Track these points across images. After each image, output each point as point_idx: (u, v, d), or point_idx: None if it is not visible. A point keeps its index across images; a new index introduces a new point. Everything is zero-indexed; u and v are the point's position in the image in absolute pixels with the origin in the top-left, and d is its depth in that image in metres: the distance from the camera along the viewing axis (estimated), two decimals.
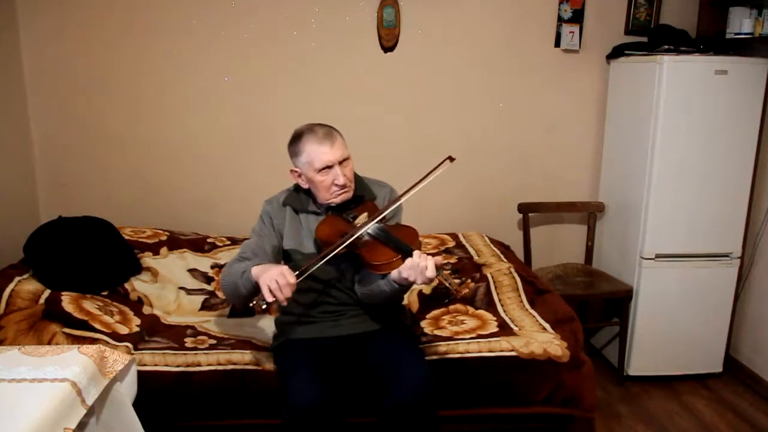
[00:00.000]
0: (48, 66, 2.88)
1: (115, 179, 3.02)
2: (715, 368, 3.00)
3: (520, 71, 3.10)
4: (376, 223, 1.87)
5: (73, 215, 2.60)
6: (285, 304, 1.76)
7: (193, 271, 2.71)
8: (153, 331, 2.32)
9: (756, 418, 2.70)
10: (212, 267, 2.74)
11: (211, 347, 2.18)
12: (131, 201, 3.04)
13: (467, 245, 2.92)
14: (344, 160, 1.95)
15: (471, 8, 3.00)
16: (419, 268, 1.71)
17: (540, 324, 2.30)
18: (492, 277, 2.63)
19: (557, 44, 3.08)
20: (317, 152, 1.91)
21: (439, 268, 1.73)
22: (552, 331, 2.24)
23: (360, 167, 2.06)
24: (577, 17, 3.05)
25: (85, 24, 2.85)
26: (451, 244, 2.94)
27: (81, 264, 2.41)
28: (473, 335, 2.24)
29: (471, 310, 2.48)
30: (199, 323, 2.44)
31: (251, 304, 1.81)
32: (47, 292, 2.29)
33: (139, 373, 1.68)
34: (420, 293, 2.63)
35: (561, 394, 2.12)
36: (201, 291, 2.65)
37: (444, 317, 2.44)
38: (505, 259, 2.77)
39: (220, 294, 2.64)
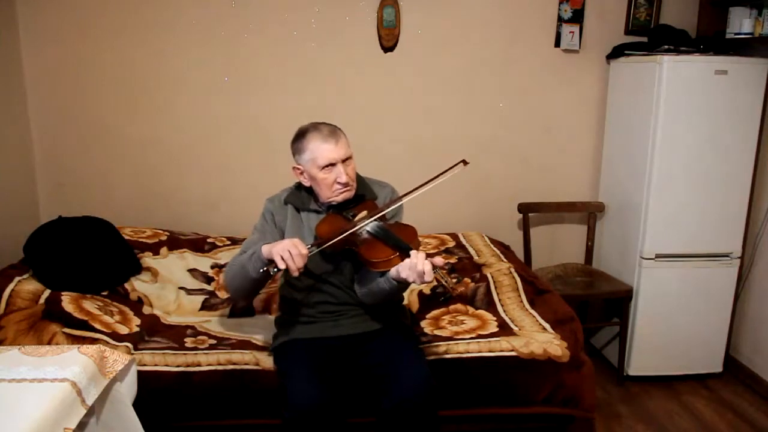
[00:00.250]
0: (48, 66, 2.88)
1: (115, 179, 3.02)
2: (715, 368, 3.00)
3: (520, 71, 3.10)
4: (377, 221, 1.88)
5: (73, 215, 2.60)
6: (296, 274, 1.77)
7: (193, 271, 2.71)
8: (153, 331, 2.32)
9: (756, 418, 2.70)
10: (212, 267, 2.74)
11: (211, 347, 2.18)
12: (131, 201, 3.04)
13: (467, 245, 2.92)
14: (347, 158, 1.96)
15: (471, 8, 3.00)
16: (417, 268, 1.72)
17: (540, 324, 2.30)
18: (492, 277, 2.63)
19: (557, 44, 3.08)
20: (321, 149, 1.92)
21: (435, 266, 1.73)
22: (552, 331, 2.24)
23: (359, 167, 2.06)
24: (577, 17, 3.05)
25: (84, 24, 2.85)
26: (451, 244, 2.94)
27: (81, 264, 2.41)
28: (473, 335, 2.24)
29: (471, 310, 2.48)
30: (199, 323, 2.44)
31: (261, 270, 1.81)
32: (47, 292, 2.29)
33: (139, 373, 1.68)
34: (420, 293, 2.63)
35: (561, 394, 2.12)
36: (201, 291, 2.65)
37: (444, 317, 2.44)
38: (505, 259, 2.77)
39: (220, 294, 2.64)
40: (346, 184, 1.95)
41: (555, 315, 2.34)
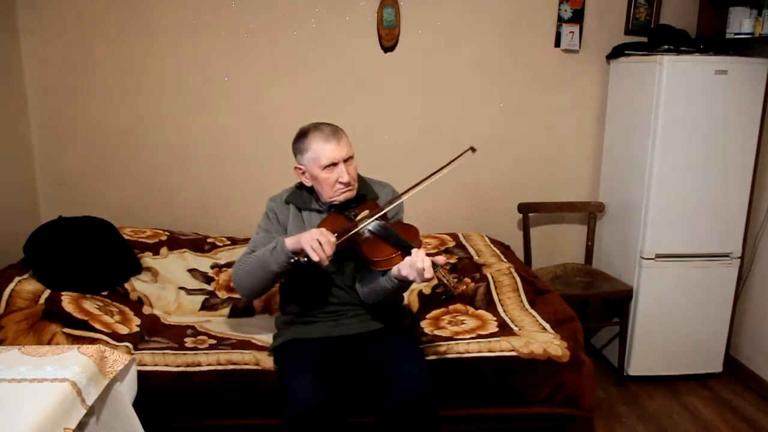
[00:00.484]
0: (48, 66, 2.88)
1: (115, 179, 3.02)
2: (715, 368, 3.00)
3: (520, 71, 3.10)
4: (378, 220, 1.88)
5: (73, 215, 2.60)
6: (326, 263, 1.79)
7: (193, 271, 2.71)
8: (153, 331, 2.32)
9: (756, 418, 2.70)
10: (212, 267, 2.74)
11: (211, 347, 2.18)
12: (131, 201, 3.04)
13: (467, 245, 2.92)
14: (349, 158, 1.97)
15: (471, 8, 3.00)
16: (417, 266, 1.72)
17: (540, 324, 2.30)
18: (492, 277, 2.63)
19: (557, 44, 3.08)
20: (323, 149, 1.93)
21: (437, 265, 1.74)
22: (552, 331, 2.24)
23: (359, 166, 2.06)
24: (577, 17, 3.05)
25: (84, 24, 2.85)
26: (451, 244, 2.94)
27: (81, 264, 2.41)
28: (473, 335, 2.24)
29: (471, 310, 2.48)
30: (199, 323, 2.44)
31: (292, 261, 1.81)
32: (47, 292, 2.29)
33: (139, 373, 1.68)
34: (420, 293, 2.63)
35: (561, 394, 2.12)
36: (201, 291, 2.65)
37: (444, 317, 2.44)
38: (505, 259, 2.77)
39: (220, 294, 2.64)
40: (347, 184, 1.96)
41: (555, 315, 2.34)
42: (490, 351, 2.12)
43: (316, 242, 1.76)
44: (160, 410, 1.99)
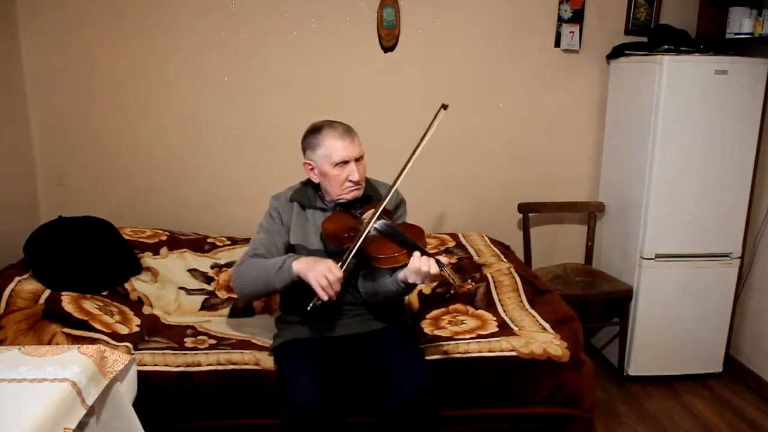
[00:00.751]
0: (48, 66, 2.88)
1: (115, 179, 3.02)
2: (715, 368, 3.00)
3: (520, 71, 3.10)
4: (382, 218, 1.89)
5: (73, 215, 2.60)
6: (334, 299, 1.78)
7: (193, 271, 2.71)
8: (153, 331, 2.32)
9: (756, 418, 2.70)
10: (212, 267, 2.74)
11: (211, 347, 2.18)
12: (131, 201, 3.04)
13: (467, 245, 2.92)
14: (360, 157, 1.98)
15: (471, 8, 3.00)
16: (423, 271, 1.73)
17: (540, 324, 2.30)
18: (492, 277, 2.63)
19: (557, 44, 3.08)
20: (336, 146, 1.94)
21: (442, 264, 1.74)
22: (552, 331, 2.24)
23: None
24: (577, 17, 3.05)
25: (84, 24, 2.85)
26: (451, 244, 2.94)
27: (81, 264, 2.41)
28: (473, 335, 2.23)
29: (471, 310, 2.48)
30: (199, 323, 2.44)
31: (308, 308, 1.80)
32: (47, 292, 2.29)
33: (139, 373, 1.68)
34: (420, 293, 2.63)
35: (561, 394, 2.12)
36: (201, 291, 2.65)
37: (444, 317, 2.44)
38: (505, 259, 2.77)
39: (220, 294, 2.64)
40: (357, 183, 1.97)
41: (555, 315, 2.34)
42: (490, 351, 2.12)
43: (325, 280, 1.75)
44: (160, 410, 1.99)
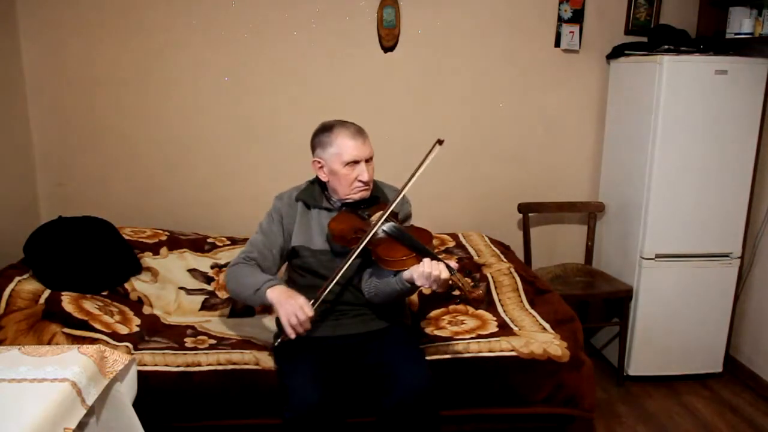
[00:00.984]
0: (48, 66, 2.88)
1: (115, 179, 3.02)
2: (715, 368, 3.00)
3: (520, 71, 3.10)
4: (390, 220, 1.90)
5: (73, 215, 2.60)
6: (303, 335, 1.84)
7: (193, 271, 2.71)
8: (153, 331, 2.32)
9: (756, 418, 2.70)
10: (212, 267, 2.74)
11: (211, 347, 2.18)
12: (131, 201, 3.04)
13: (467, 245, 2.92)
14: (370, 158, 2.00)
15: (471, 8, 3.00)
16: (434, 275, 1.73)
17: (540, 324, 2.30)
18: (492, 277, 2.63)
19: (557, 44, 3.08)
20: (348, 146, 1.95)
21: (452, 269, 1.75)
22: (552, 331, 2.24)
23: None
24: (577, 17, 3.05)
25: (84, 24, 2.85)
26: (451, 244, 2.94)
27: (81, 264, 2.41)
28: (473, 335, 2.23)
29: (471, 310, 2.48)
30: (199, 323, 2.44)
31: (275, 344, 1.91)
32: (47, 292, 2.29)
33: (139, 373, 1.68)
34: (420, 293, 2.63)
35: (561, 394, 2.12)
36: (201, 291, 2.65)
37: (444, 317, 2.44)
38: (505, 259, 2.77)
39: (220, 294, 2.64)
40: (366, 183, 1.98)
41: (555, 315, 2.34)
42: (490, 351, 2.12)
43: (295, 318, 1.79)
44: (160, 410, 1.99)
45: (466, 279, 1.76)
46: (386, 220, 1.89)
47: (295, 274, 2.09)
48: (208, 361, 2.06)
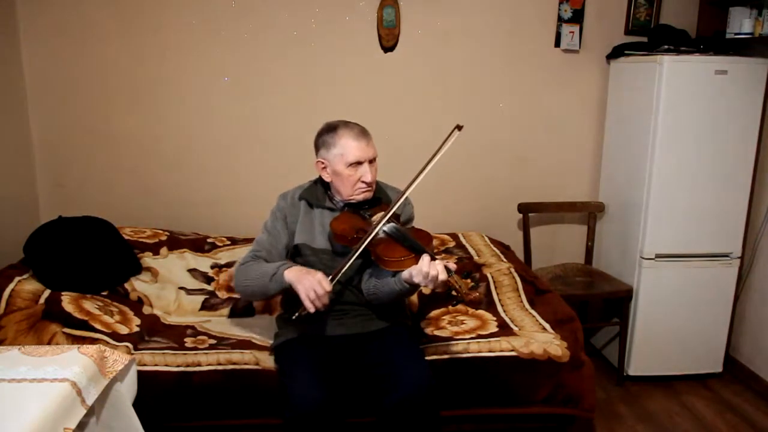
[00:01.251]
0: (48, 66, 2.88)
1: (115, 179, 3.02)
2: (715, 368, 3.00)
3: (520, 71, 3.10)
4: (392, 220, 1.90)
5: (73, 215, 2.60)
6: (321, 311, 1.83)
7: (193, 271, 2.71)
8: (153, 331, 2.32)
9: (756, 418, 2.70)
10: (212, 267, 2.74)
11: (211, 347, 2.18)
12: (131, 201, 3.04)
13: (467, 245, 2.92)
14: (373, 159, 2.00)
15: (471, 8, 3.00)
16: (432, 275, 1.73)
17: (540, 324, 2.30)
18: (492, 277, 2.63)
19: (557, 44, 3.08)
20: (352, 147, 1.95)
21: (450, 270, 1.75)
22: (552, 331, 2.24)
23: None
24: (577, 17, 3.05)
25: (84, 24, 2.85)
26: (451, 244, 2.94)
27: (81, 264, 2.41)
28: (473, 335, 2.23)
29: (471, 310, 2.48)
30: (199, 323, 2.44)
31: (293, 317, 1.86)
32: (47, 292, 2.29)
33: (139, 373, 1.68)
34: (420, 293, 2.63)
35: (561, 394, 2.12)
36: (201, 291, 2.65)
37: (444, 317, 2.44)
38: (505, 259, 2.77)
39: (220, 294, 2.64)
40: (369, 184, 1.98)
41: (555, 315, 2.34)
42: (490, 351, 2.12)
43: (313, 293, 1.79)
44: (160, 410, 1.99)
45: (465, 280, 1.77)
46: (388, 221, 1.90)
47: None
48: (208, 361, 2.06)
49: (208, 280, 2.70)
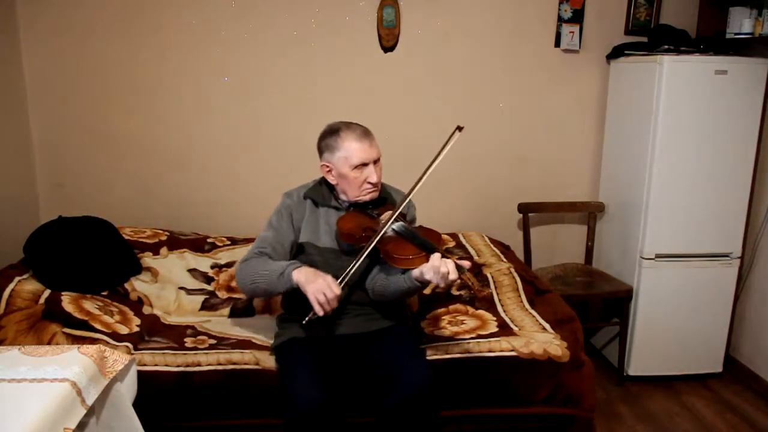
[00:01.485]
0: (48, 66, 2.88)
1: (115, 179, 3.02)
2: (715, 368, 3.00)
3: (520, 71, 3.10)
4: (400, 219, 1.91)
5: (73, 215, 2.60)
6: (330, 315, 1.81)
7: (193, 271, 2.71)
8: (153, 331, 2.32)
9: (756, 418, 2.70)
10: (212, 267, 2.74)
11: (211, 347, 2.18)
12: (131, 201, 3.04)
13: (467, 245, 2.92)
14: (377, 160, 2.00)
15: (471, 8, 3.00)
16: (442, 271, 1.73)
17: (540, 324, 2.30)
18: (492, 277, 2.63)
19: (557, 44, 3.08)
20: (355, 149, 1.95)
21: (462, 268, 1.75)
22: (552, 331, 2.24)
23: None
24: (577, 17, 3.05)
25: (84, 24, 2.85)
26: (451, 244, 2.94)
27: (81, 264, 2.41)
28: (473, 335, 2.23)
29: (471, 310, 2.48)
30: (199, 323, 2.44)
31: (304, 321, 1.84)
32: (47, 292, 2.29)
33: (139, 373, 1.68)
34: (420, 293, 2.63)
35: (561, 394, 2.12)
36: (201, 291, 2.65)
37: (444, 317, 2.44)
38: (505, 259, 2.77)
39: (220, 294, 2.64)
40: (375, 184, 1.99)
41: (555, 315, 2.34)
42: (490, 351, 2.12)
43: (323, 296, 1.77)
44: (160, 410, 1.99)
45: (476, 278, 1.77)
46: (395, 219, 1.90)
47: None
48: (208, 361, 2.06)
49: (208, 280, 2.70)
